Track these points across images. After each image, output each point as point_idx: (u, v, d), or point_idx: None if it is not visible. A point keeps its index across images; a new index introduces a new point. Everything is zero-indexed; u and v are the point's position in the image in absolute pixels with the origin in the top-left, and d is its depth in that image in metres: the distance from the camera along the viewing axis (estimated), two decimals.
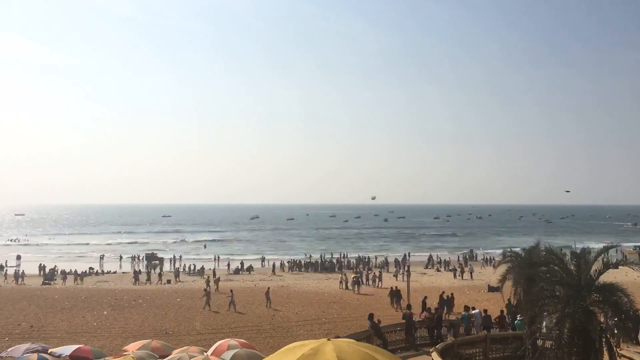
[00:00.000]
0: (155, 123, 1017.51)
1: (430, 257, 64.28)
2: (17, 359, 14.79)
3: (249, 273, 53.88)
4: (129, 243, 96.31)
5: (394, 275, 47.28)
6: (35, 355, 14.31)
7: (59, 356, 14.66)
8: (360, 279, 41.20)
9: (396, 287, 33.69)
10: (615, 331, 15.20)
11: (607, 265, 11.92)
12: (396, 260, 59.60)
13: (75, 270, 49.67)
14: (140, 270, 52.61)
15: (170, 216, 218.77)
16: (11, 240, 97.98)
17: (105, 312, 29.82)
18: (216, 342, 15.66)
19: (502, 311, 21.12)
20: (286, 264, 57.42)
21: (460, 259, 64.33)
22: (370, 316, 18.29)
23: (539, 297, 11.82)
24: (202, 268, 53.83)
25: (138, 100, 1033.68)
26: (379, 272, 46.30)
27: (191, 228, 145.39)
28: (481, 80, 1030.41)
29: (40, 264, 54.64)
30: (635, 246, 73.50)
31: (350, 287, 40.25)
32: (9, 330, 24.83)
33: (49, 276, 48.21)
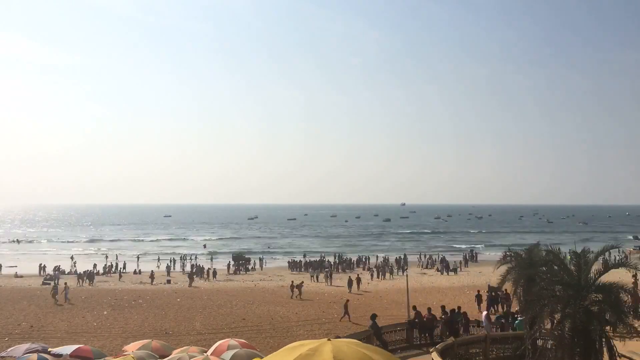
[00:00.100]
0: (155, 123, 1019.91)
1: (430, 257, 64.28)
2: (17, 358, 14.78)
3: (247, 273, 53.88)
4: (151, 241, 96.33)
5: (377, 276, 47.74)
6: (35, 355, 14.29)
7: (59, 356, 14.65)
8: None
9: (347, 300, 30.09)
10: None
11: (607, 266, 11.92)
12: (383, 260, 59.47)
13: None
14: (195, 269, 53.16)
15: (170, 216, 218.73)
16: (14, 241, 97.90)
17: (105, 312, 29.82)
18: (216, 342, 15.63)
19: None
20: (299, 264, 57.42)
21: (460, 259, 64.30)
22: (373, 316, 18.29)
23: (539, 297, 11.81)
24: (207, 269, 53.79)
25: (138, 100, 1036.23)
26: (357, 275, 44.72)
27: (191, 228, 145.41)
28: (482, 81, 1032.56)
29: (40, 264, 54.61)
30: (635, 246, 73.50)
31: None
32: (9, 330, 24.82)
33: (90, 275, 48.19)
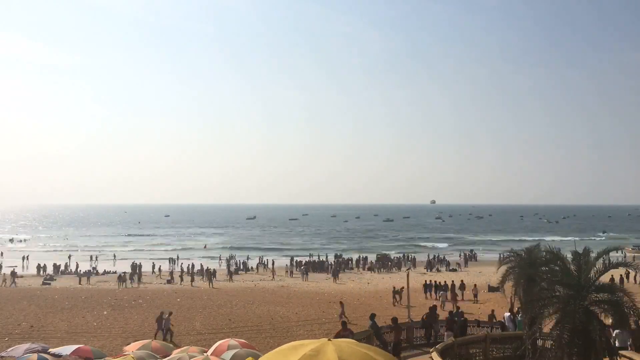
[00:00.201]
0: (156, 123, 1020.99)
1: (429, 256, 64.32)
2: (17, 358, 14.78)
3: (246, 273, 53.90)
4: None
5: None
6: (35, 355, 14.29)
7: (59, 356, 14.65)
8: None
9: None
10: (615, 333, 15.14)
11: (607, 266, 11.91)
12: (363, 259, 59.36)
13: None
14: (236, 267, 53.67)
15: (169, 216, 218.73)
16: (11, 241, 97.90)
17: (105, 312, 29.81)
18: (216, 342, 15.65)
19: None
20: (293, 265, 57.25)
21: (460, 259, 64.37)
22: (372, 316, 18.29)
23: (539, 297, 11.81)
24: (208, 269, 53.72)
25: (139, 100, 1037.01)
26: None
27: (192, 228, 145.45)
28: (483, 81, 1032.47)
29: (39, 264, 54.61)
30: (634, 246, 73.58)
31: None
32: (9, 330, 24.80)
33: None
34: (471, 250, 74.15)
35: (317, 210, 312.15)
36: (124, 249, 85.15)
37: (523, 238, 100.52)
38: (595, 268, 11.57)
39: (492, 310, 26.43)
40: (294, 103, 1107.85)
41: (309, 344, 5.47)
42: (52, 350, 15.27)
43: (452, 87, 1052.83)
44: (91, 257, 67.23)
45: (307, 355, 5.17)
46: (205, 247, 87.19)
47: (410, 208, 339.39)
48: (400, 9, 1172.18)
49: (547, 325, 11.59)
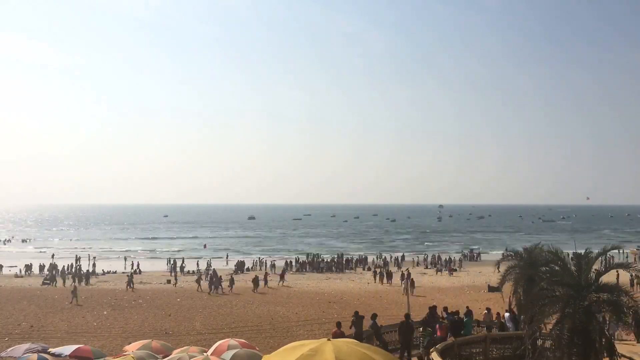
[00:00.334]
0: (157, 123, 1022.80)
1: (431, 257, 64.26)
2: (17, 358, 14.79)
3: (244, 272, 53.88)
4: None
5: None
6: (35, 355, 14.29)
7: (59, 356, 14.65)
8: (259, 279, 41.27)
9: None
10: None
11: (607, 266, 11.92)
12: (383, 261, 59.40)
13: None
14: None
15: (167, 216, 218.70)
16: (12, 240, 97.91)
17: (105, 312, 29.82)
18: (216, 342, 15.63)
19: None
20: (294, 265, 57.27)
21: (459, 258, 64.38)
22: (373, 316, 18.27)
23: (539, 297, 11.80)
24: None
25: (140, 100, 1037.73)
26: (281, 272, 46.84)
27: (192, 227, 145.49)
28: (486, 81, 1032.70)
29: (41, 264, 54.65)
30: (638, 247, 73.44)
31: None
32: (9, 330, 24.82)
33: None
34: (471, 250, 74.15)
35: (318, 210, 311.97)
36: (124, 249, 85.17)
37: (523, 238, 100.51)
38: (595, 268, 11.58)
39: (488, 309, 26.46)
40: (296, 103, 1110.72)
41: (309, 344, 5.48)
42: (52, 350, 15.27)
43: (454, 87, 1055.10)
44: (89, 256, 67.23)
45: (306, 355, 5.18)
46: (205, 247, 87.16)
47: (410, 208, 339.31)
48: (402, 9, 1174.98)
49: (547, 325, 11.60)
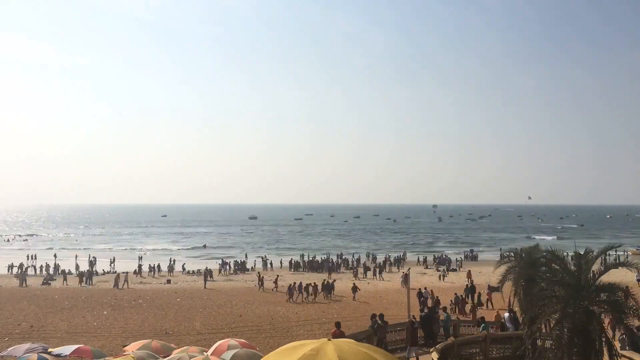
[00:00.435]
0: (158, 123, 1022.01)
1: (430, 257, 64.29)
2: (17, 358, 14.79)
3: (244, 273, 53.87)
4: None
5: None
6: (35, 355, 14.30)
7: (59, 356, 14.66)
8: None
9: None
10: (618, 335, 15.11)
11: (607, 266, 11.93)
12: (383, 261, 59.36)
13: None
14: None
15: (166, 216, 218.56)
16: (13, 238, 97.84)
17: (105, 312, 29.82)
18: (216, 342, 15.64)
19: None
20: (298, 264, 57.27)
21: (460, 258, 64.40)
22: (373, 316, 18.28)
23: (539, 297, 11.81)
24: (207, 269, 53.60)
25: (141, 101, 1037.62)
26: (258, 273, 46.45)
27: (192, 227, 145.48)
28: (487, 81, 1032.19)
29: (44, 264, 54.68)
30: (638, 247, 73.49)
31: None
32: (9, 330, 24.82)
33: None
34: (471, 250, 74.16)
35: (318, 210, 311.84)
36: (123, 249, 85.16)
37: (523, 238, 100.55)
38: (594, 268, 11.58)
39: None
40: (296, 103, 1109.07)
41: (309, 344, 5.47)
42: (52, 350, 15.27)
43: (454, 87, 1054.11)
44: (89, 256, 67.19)
45: (307, 355, 5.17)
46: (204, 246, 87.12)
47: (411, 208, 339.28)
48: (403, 8, 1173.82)
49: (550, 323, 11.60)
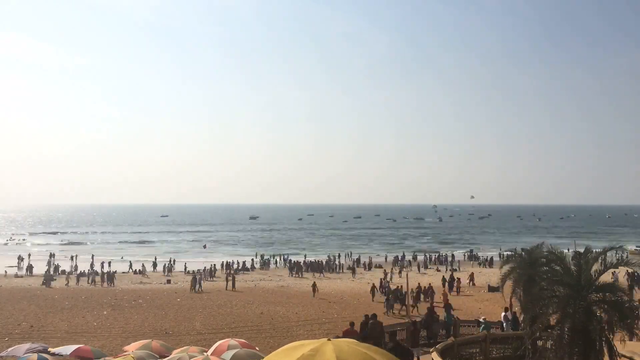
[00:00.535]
0: (158, 123, 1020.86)
1: (430, 257, 64.28)
2: (17, 358, 14.79)
3: (245, 272, 53.91)
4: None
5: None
6: (35, 355, 14.30)
7: (60, 356, 14.66)
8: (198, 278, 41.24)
9: None
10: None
11: (607, 266, 11.90)
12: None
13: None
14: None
15: (167, 216, 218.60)
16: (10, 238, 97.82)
17: (105, 312, 29.82)
18: (216, 342, 15.64)
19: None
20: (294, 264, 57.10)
21: (460, 258, 64.41)
22: (373, 316, 18.26)
23: (539, 297, 11.80)
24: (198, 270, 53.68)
25: (143, 101, 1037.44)
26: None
27: (192, 227, 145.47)
28: (488, 81, 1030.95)
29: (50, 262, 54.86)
30: (637, 246, 73.43)
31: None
32: (9, 330, 24.82)
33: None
34: (471, 250, 74.15)
35: (319, 210, 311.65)
36: (123, 248, 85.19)
37: (523, 238, 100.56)
38: (594, 268, 11.56)
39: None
40: (297, 103, 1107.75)
41: (309, 344, 5.47)
42: (52, 350, 15.28)
43: (455, 87, 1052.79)
44: (93, 256, 67.24)
45: (306, 355, 5.17)
46: (204, 247, 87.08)
47: (411, 208, 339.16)
48: (404, 9, 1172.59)
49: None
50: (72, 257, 64.38)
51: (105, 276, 45.42)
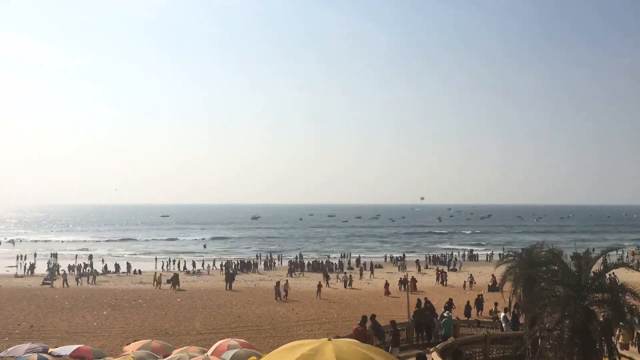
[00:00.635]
0: (159, 124, 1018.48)
1: (430, 257, 64.28)
2: (17, 358, 14.80)
3: (247, 273, 53.89)
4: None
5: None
6: (35, 355, 14.31)
7: (59, 356, 14.66)
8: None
9: None
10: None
11: (607, 266, 11.91)
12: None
13: None
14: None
15: (168, 216, 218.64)
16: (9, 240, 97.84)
17: (105, 312, 29.83)
18: (216, 342, 15.65)
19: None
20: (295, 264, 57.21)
21: (460, 259, 64.40)
22: (373, 317, 18.26)
23: (539, 297, 11.80)
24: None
25: (143, 101, 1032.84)
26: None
27: (190, 228, 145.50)
28: (489, 81, 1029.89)
29: (49, 262, 54.86)
30: (637, 246, 73.48)
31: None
32: (9, 330, 24.83)
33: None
34: (471, 251, 74.16)
35: (321, 210, 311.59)
36: (123, 248, 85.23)
37: (523, 238, 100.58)
38: (595, 268, 11.57)
39: (468, 301, 28.41)
40: (297, 103, 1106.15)
41: (309, 344, 5.47)
42: (52, 350, 15.28)
43: (455, 87, 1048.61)
44: (91, 256, 67.28)
45: (306, 355, 5.17)
46: (204, 247, 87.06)
47: (412, 208, 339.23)
48: (404, 9, 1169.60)
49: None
50: (76, 257, 64.47)
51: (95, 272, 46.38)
